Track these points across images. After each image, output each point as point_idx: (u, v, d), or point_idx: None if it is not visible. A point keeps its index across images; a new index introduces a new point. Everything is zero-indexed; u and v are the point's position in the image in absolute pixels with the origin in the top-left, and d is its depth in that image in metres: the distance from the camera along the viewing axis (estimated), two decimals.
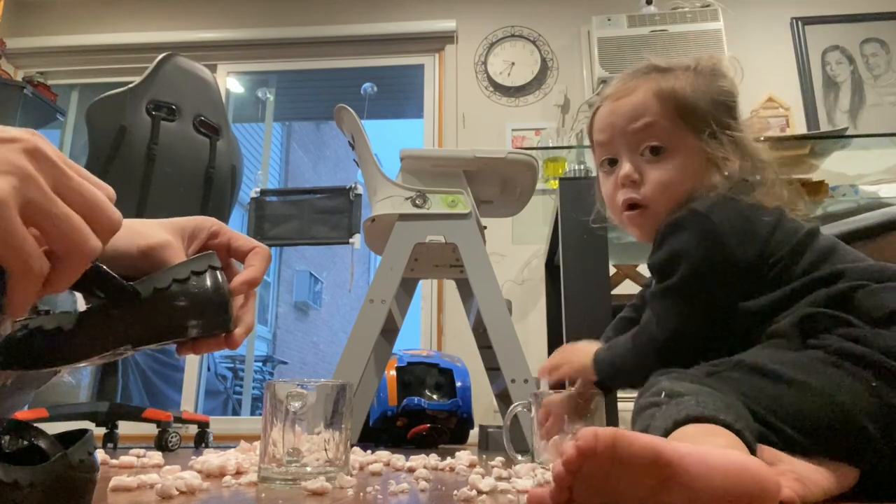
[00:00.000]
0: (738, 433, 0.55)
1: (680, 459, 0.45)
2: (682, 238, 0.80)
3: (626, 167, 0.88)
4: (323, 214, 3.07)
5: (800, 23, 3.45)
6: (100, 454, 0.51)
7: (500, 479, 0.74)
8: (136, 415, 2.02)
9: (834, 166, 1.89)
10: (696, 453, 0.46)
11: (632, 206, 0.89)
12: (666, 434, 0.57)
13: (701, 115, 0.87)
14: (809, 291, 0.73)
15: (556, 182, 1.89)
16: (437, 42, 3.63)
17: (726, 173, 0.85)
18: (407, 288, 2.01)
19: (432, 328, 3.25)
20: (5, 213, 0.34)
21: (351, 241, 3.01)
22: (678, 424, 0.57)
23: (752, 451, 0.56)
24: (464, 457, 1.01)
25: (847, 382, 0.63)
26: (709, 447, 0.50)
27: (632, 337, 0.85)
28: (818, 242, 0.79)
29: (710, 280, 0.78)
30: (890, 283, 0.70)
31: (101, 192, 0.40)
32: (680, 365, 0.74)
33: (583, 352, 0.94)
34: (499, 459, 0.98)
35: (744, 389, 0.64)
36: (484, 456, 1.42)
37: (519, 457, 1.02)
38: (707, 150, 0.85)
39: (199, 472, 0.79)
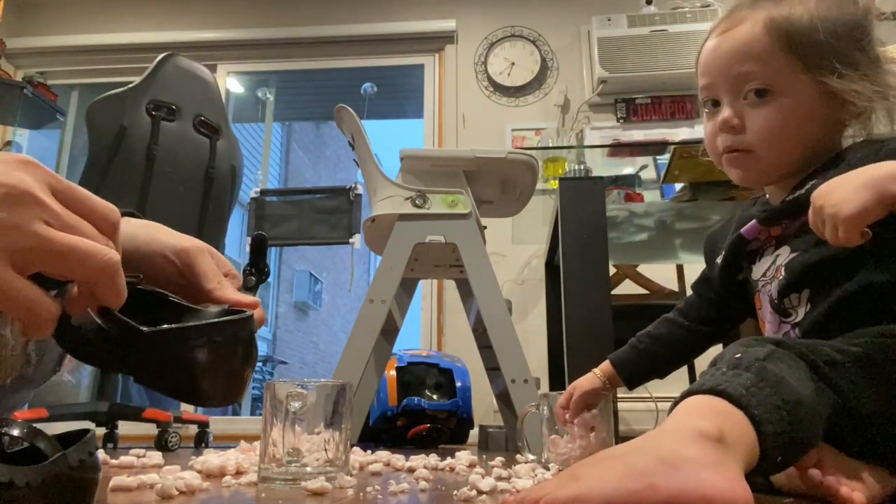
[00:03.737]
0: (752, 418, 0.50)
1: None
2: None
3: (725, 112, 0.80)
4: (323, 214, 3.07)
5: None
6: (100, 454, 0.51)
7: (500, 479, 0.74)
8: (136, 415, 2.02)
9: None
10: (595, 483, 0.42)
11: (733, 150, 0.81)
12: (677, 402, 0.54)
13: (820, 48, 0.75)
14: None
15: (556, 182, 1.89)
16: (437, 42, 3.63)
17: (859, 113, 0.74)
18: (407, 288, 2.01)
19: (432, 328, 3.25)
20: None
21: (351, 241, 3.01)
22: (690, 394, 0.53)
23: (765, 437, 0.50)
24: (464, 457, 1.01)
25: None
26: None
27: None
28: None
29: None
30: None
31: (103, 213, 0.39)
32: None
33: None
34: (499, 459, 0.98)
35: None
36: (484, 456, 1.42)
37: (531, 457, 1.02)
38: (828, 88, 0.74)
39: (199, 472, 0.79)
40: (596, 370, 0.99)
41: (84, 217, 0.38)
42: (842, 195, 0.61)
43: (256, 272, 0.59)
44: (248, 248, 3.28)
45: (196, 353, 0.43)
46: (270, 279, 9.21)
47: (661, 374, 0.98)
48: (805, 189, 0.75)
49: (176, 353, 0.43)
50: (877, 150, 0.71)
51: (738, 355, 0.57)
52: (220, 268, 0.56)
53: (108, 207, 0.39)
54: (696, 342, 0.96)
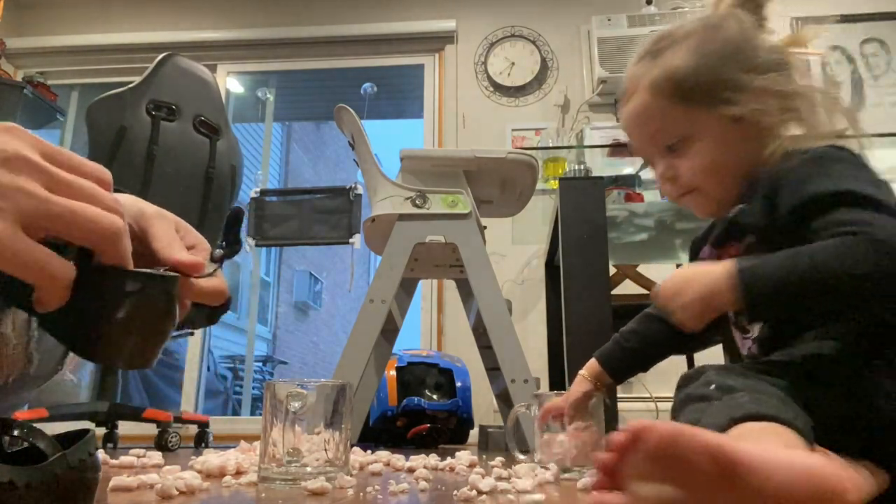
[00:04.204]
0: (799, 431, 0.52)
1: (743, 458, 0.43)
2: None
3: (659, 167, 0.85)
4: (323, 214, 3.07)
5: (800, 23, 3.45)
6: (100, 454, 0.51)
7: (500, 479, 0.74)
8: (136, 415, 2.02)
9: None
10: (760, 452, 0.44)
11: (681, 194, 0.85)
12: (721, 431, 0.53)
13: (706, 86, 0.78)
14: None
15: (556, 182, 1.89)
16: (437, 42, 3.63)
17: (777, 123, 0.76)
18: (407, 288, 2.01)
19: (432, 328, 3.25)
20: (9, 239, 0.33)
21: (351, 241, 3.01)
22: (735, 422, 0.53)
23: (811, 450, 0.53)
24: (464, 457, 1.01)
25: None
26: (772, 446, 0.48)
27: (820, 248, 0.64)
28: None
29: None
30: None
31: (96, 175, 0.39)
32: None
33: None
34: (499, 459, 0.98)
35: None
36: (484, 456, 1.42)
37: (521, 456, 1.02)
38: (732, 115, 0.77)
39: (199, 472, 0.79)
40: (583, 372, 0.98)
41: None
42: (681, 302, 0.69)
43: (227, 245, 0.57)
44: (253, 257, 3.30)
45: (108, 299, 0.40)
46: (271, 279, 9.21)
47: (645, 369, 1.00)
48: (732, 213, 0.78)
49: (91, 296, 0.39)
50: (773, 172, 0.73)
51: (730, 383, 0.58)
52: (184, 239, 0.55)
53: (98, 168, 0.39)
54: (676, 339, 0.97)
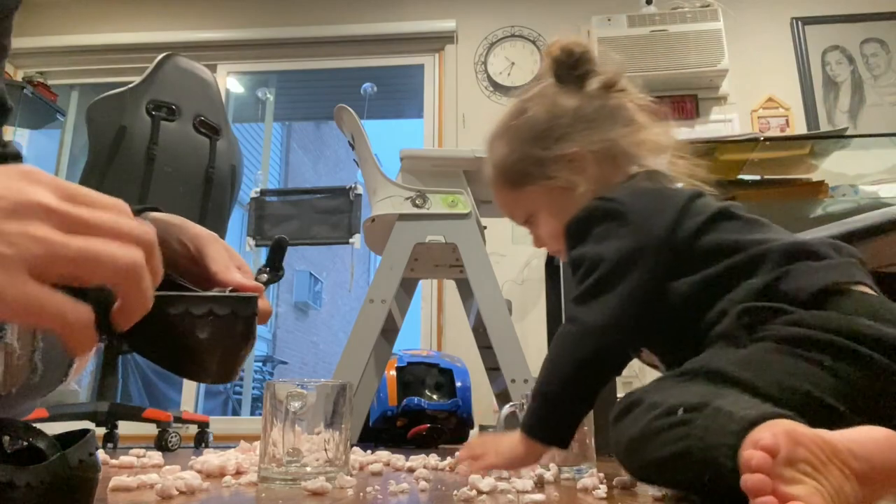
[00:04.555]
0: (793, 418, 0.53)
1: (844, 445, 0.47)
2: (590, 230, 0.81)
3: (532, 237, 0.98)
4: (323, 214, 3.07)
5: (800, 23, 3.45)
6: (100, 454, 0.51)
7: (500, 479, 0.74)
8: (136, 415, 2.02)
9: (834, 166, 1.89)
10: (847, 438, 0.48)
11: (555, 253, 0.97)
12: (740, 438, 0.53)
13: (525, 169, 0.90)
14: (728, 281, 0.71)
15: None
16: (437, 42, 3.63)
17: (592, 187, 0.85)
18: (407, 288, 2.01)
19: (432, 328, 3.25)
20: (12, 285, 0.32)
21: (351, 241, 3.01)
22: (753, 425, 0.53)
23: None
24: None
25: (803, 367, 0.62)
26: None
27: (548, 360, 0.77)
28: (729, 224, 0.77)
29: (630, 259, 0.75)
30: (802, 262, 0.70)
31: (117, 208, 0.37)
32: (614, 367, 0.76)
33: (507, 437, 0.82)
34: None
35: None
36: None
37: None
38: (557, 187, 0.87)
39: (199, 472, 0.79)
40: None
41: None
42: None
43: (271, 270, 0.60)
44: (253, 257, 3.29)
45: (197, 324, 0.43)
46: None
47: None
48: None
49: (178, 322, 0.42)
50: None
51: (691, 400, 0.59)
52: (232, 259, 0.57)
53: (118, 203, 0.38)
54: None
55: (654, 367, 0.87)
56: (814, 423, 0.58)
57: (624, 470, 0.67)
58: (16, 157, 0.75)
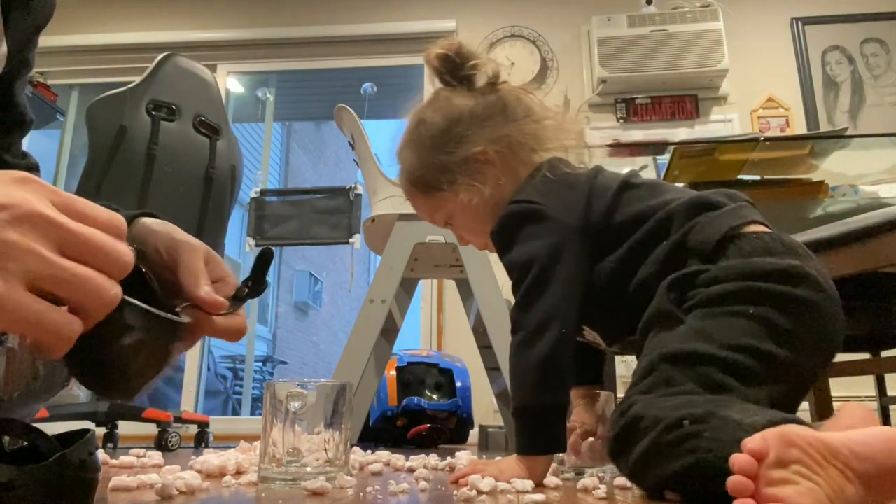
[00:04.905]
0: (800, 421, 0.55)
1: (844, 446, 0.48)
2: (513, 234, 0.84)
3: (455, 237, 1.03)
4: (323, 214, 3.07)
5: (800, 23, 3.45)
6: (100, 454, 0.51)
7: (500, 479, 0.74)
8: (136, 415, 2.02)
9: (834, 166, 1.89)
10: (849, 438, 0.49)
11: (481, 248, 1.00)
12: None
13: (432, 175, 0.91)
14: (646, 247, 0.77)
15: None
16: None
17: (499, 182, 0.89)
18: (407, 288, 2.01)
19: (432, 328, 3.25)
20: (11, 299, 0.33)
21: (351, 241, 3.01)
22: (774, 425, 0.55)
23: None
24: (464, 457, 1.01)
25: (735, 324, 0.66)
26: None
27: (512, 368, 0.81)
28: (633, 193, 0.82)
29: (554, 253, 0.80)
30: (703, 215, 0.76)
31: (110, 224, 0.38)
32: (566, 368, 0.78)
33: (505, 461, 0.82)
34: (499, 459, 0.98)
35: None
36: (484, 456, 1.42)
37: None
38: (464, 188, 0.89)
39: (199, 472, 0.79)
40: (577, 401, 0.96)
41: None
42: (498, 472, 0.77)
43: (253, 284, 0.57)
44: (253, 257, 3.29)
45: (115, 331, 0.40)
46: (271, 279, 9.21)
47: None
48: None
49: (107, 324, 0.40)
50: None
51: (695, 412, 0.60)
52: (213, 271, 0.56)
53: (113, 218, 0.38)
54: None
55: (597, 344, 0.91)
56: (774, 378, 0.64)
57: (636, 486, 0.67)
58: (34, 170, 0.76)
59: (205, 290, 0.52)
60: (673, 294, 0.73)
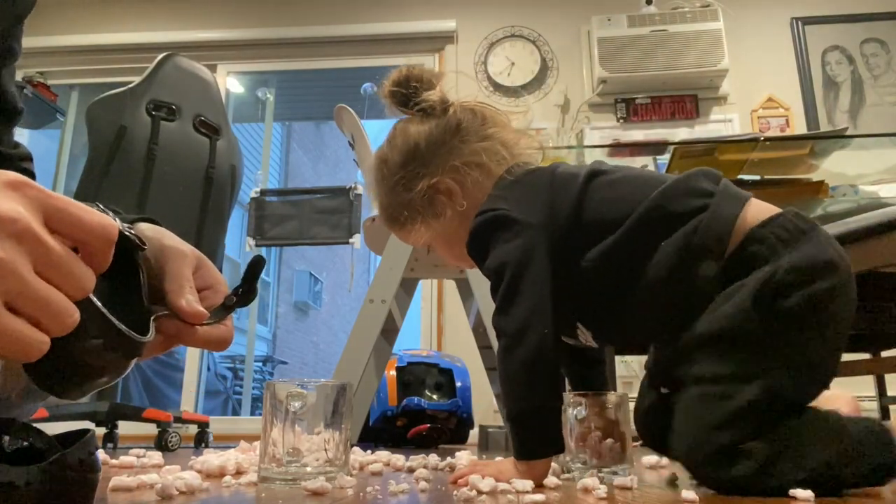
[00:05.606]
0: None
1: None
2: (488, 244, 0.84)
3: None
4: (323, 214, 3.07)
5: (800, 23, 3.45)
6: (100, 454, 0.51)
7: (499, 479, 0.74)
8: (136, 415, 2.02)
9: (834, 166, 1.89)
10: None
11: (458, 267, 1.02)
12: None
13: (400, 210, 0.93)
14: (640, 242, 0.76)
15: None
16: (437, 42, 3.63)
17: (459, 207, 0.89)
18: (407, 288, 2.00)
19: (432, 328, 3.25)
20: None
21: (351, 241, 3.01)
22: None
23: None
24: (464, 457, 1.01)
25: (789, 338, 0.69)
26: None
27: (502, 376, 0.80)
28: (602, 179, 0.82)
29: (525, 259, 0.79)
30: (701, 201, 0.76)
31: (98, 233, 0.38)
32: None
33: (504, 462, 0.82)
34: (499, 459, 0.98)
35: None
36: (484, 456, 1.42)
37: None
38: (434, 217, 0.91)
39: (199, 472, 0.79)
40: (589, 408, 0.96)
41: (78, 238, 0.38)
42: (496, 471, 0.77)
43: (243, 293, 0.56)
44: (246, 263, 3.29)
45: (79, 334, 0.40)
46: (270, 279, 9.21)
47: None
48: None
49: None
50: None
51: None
52: (202, 278, 0.55)
53: (101, 227, 0.38)
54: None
55: (588, 344, 0.90)
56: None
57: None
58: (26, 159, 0.76)
59: (186, 300, 0.51)
60: (758, 313, 0.69)
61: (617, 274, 0.78)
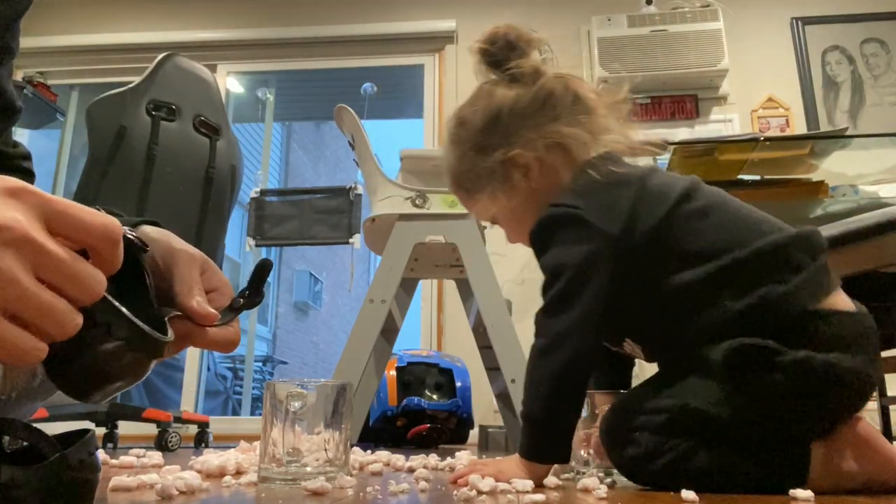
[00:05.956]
0: None
1: None
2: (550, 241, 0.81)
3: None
4: (323, 214, 3.07)
5: (800, 23, 3.45)
6: (100, 454, 0.51)
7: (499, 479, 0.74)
8: (136, 415, 2.02)
9: (834, 166, 1.90)
10: None
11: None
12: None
13: (472, 179, 0.89)
14: (706, 293, 0.72)
15: None
16: (437, 42, 3.63)
17: (534, 185, 0.85)
18: (407, 288, 2.01)
19: (432, 328, 3.24)
20: None
21: (351, 241, 3.01)
22: None
23: None
24: (464, 457, 1.01)
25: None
26: None
27: (529, 380, 0.79)
28: (691, 208, 0.76)
29: (588, 268, 0.76)
30: (775, 284, 0.70)
31: (102, 234, 0.38)
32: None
33: (506, 461, 0.82)
34: (499, 459, 0.98)
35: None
36: (484, 456, 1.42)
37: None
38: (504, 188, 0.87)
39: (199, 472, 0.79)
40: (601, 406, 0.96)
41: (82, 241, 0.37)
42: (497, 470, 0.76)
43: (250, 295, 0.56)
44: (253, 257, 3.29)
45: (99, 336, 0.40)
46: (271, 279, 9.21)
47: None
48: None
49: (94, 327, 0.40)
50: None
51: None
52: (209, 281, 0.55)
53: (105, 228, 0.38)
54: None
55: (636, 356, 0.88)
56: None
57: None
58: (25, 158, 0.76)
59: (196, 301, 0.52)
60: (732, 360, 0.69)
61: (691, 303, 0.74)
